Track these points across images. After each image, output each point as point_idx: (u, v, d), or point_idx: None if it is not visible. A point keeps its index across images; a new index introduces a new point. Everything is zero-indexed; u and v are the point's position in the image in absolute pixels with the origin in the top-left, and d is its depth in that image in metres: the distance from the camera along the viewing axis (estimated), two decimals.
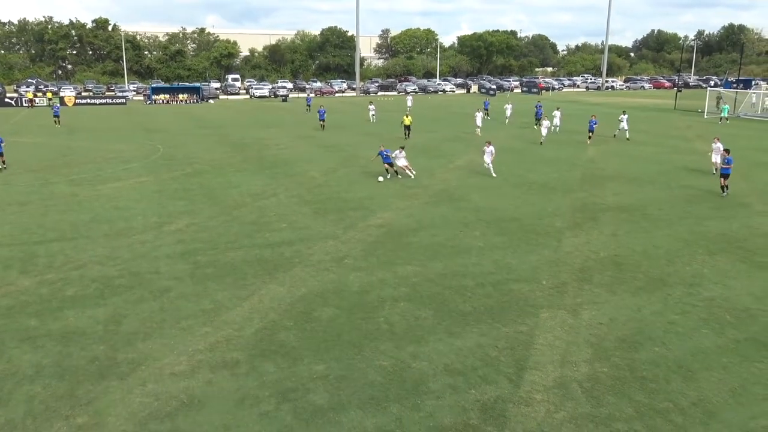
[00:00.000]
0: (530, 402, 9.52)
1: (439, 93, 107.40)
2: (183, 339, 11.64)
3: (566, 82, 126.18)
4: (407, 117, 41.47)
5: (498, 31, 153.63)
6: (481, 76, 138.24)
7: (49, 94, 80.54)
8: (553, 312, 12.81)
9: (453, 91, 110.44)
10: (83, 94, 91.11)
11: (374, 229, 19.09)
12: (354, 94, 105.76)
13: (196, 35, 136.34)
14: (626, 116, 40.35)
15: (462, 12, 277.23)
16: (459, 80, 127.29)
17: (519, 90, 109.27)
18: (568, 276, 14.93)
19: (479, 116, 43.64)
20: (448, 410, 9.34)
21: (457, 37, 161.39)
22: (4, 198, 23.54)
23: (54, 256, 16.48)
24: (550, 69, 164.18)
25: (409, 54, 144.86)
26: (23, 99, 76.66)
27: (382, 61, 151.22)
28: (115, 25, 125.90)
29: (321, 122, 47.05)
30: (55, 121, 51.95)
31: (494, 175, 26.91)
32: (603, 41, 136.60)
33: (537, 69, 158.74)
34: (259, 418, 9.19)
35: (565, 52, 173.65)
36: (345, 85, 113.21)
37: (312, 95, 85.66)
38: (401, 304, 13.29)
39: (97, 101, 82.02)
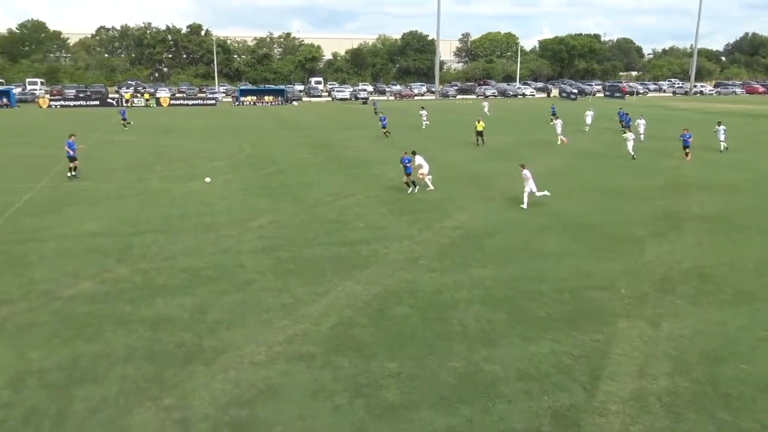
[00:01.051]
0: (605, 413, 9.35)
1: (519, 97, 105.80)
2: (263, 330, 12.14)
3: (651, 87, 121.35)
4: (480, 122, 40.84)
5: (581, 34, 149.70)
6: (562, 80, 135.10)
7: (146, 95, 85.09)
8: (632, 322, 12.48)
9: (533, 95, 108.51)
10: (177, 95, 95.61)
11: (449, 231, 19.15)
12: (433, 97, 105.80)
13: (282, 40, 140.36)
14: (723, 127, 36.29)
15: (543, 16, 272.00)
16: (539, 84, 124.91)
17: (601, 94, 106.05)
18: (649, 286, 14.48)
19: (558, 124, 42.15)
20: (520, 415, 9.31)
21: (539, 40, 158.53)
22: (104, 192, 25.16)
23: (147, 247, 17.51)
24: (634, 73, 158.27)
25: (489, 58, 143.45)
26: (123, 99, 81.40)
27: (461, 64, 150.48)
28: (207, 30, 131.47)
29: (384, 130, 45.00)
30: (123, 124, 52.51)
31: (547, 193, 22.48)
32: (692, 45, 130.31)
33: (621, 73, 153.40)
34: (332, 410, 9.48)
35: (651, 56, 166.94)
36: (424, 89, 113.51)
37: (383, 98, 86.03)
38: (475, 306, 13.31)
39: (190, 102, 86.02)
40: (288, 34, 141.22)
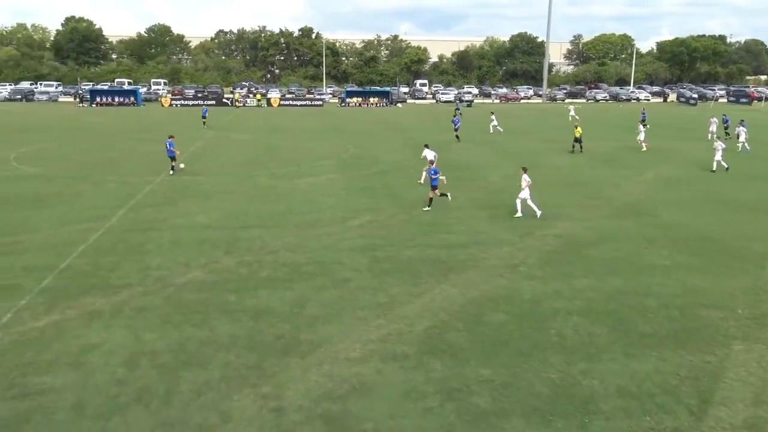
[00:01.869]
0: None
1: (632, 101, 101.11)
2: (358, 328, 12.34)
3: None
4: (577, 128, 39.06)
5: (704, 36, 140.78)
6: (681, 84, 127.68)
7: (258, 96, 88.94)
8: (749, 345, 11.58)
9: (648, 100, 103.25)
10: (287, 96, 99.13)
11: (551, 239, 18.61)
12: (540, 101, 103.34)
13: (389, 42, 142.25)
14: None
15: (662, 16, 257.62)
16: (655, 88, 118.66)
17: (725, 99, 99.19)
18: None
19: (642, 129, 39.92)
20: None
21: (656, 42, 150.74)
22: (217, 187, 26.54)
23: (253, 241, 18.29)
24: (764, 77, 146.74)
25: (601, 60, 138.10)
26: (234, 99, 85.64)
27: (571, 67, 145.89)
28: (317, 33, 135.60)
29: (455, 133, 43.57)
30: (203, 122, 52.89)
31: (538, 213, 20.90)
32: None
33: (748, 77, 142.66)
34: (423, 412, 9.48)
35: None
36: (531, 92, 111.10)
37: (488, 101, 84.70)
38: (575, 317, 12.86)
39: (298, 103, 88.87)
40: (395, 37, 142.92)
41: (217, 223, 20.45)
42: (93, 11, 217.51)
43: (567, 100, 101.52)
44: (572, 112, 61.31)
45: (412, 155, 36.89)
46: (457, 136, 43.48)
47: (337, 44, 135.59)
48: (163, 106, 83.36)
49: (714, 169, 30.16)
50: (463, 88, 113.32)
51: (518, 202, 21.13)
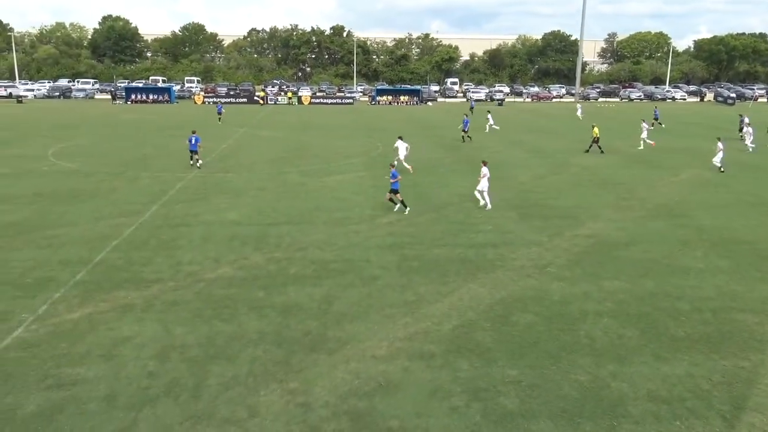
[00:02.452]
0: None
1: (668, 101, 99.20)
2: (385, 326, 12.35)
3: None
4: (594, 128, 37.90)
5: (743, 33, 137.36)
6: (718, 83, 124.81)
7: (289, 94, 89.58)
8: None
9: (684, 99, 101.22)
10: (317, 94, 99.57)
11: (582, 239, 18.38)
12: (572, 99, 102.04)
13: (420, 40, 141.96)
14: None
15: (700, 13, 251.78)
16: (692, 87, 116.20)
17: (765, 99, 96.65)
18: None
19: (645, 128, 39.27)
20: None
21: (694, 40, 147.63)
22: (248, 184, 26.82)
23: (282, 238, 18.44)
24: None
25: (636, 59, 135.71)
26: (268, 98, 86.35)
27: (605, 66, 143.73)
28: (349, 31, 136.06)
29: (464, 133, 42.56)
30: (219, 118, 54.95)
31: (489, 206, 21.86)
32: None
33: None
34: (449, 411, 9.46)
35: None
36: (563, 91, 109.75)
37: (519, 99, 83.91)
38: (605, 319, 12.69)
39: (329, 101, 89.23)
40: (426, 35, 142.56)
41: (247, 219, 20.66)
42: (129, 10, 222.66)
43: (600, 99, 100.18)
44: (579, 112, 60.43)
45: (442, 154, 36.83)
46: (462, 137, 42.81)
47: (368, 42, 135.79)
48: (196, 103, 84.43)
49: (722, 169, 29.69)
50: (495, 86, 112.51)
51: (477, 194, 22.24)
